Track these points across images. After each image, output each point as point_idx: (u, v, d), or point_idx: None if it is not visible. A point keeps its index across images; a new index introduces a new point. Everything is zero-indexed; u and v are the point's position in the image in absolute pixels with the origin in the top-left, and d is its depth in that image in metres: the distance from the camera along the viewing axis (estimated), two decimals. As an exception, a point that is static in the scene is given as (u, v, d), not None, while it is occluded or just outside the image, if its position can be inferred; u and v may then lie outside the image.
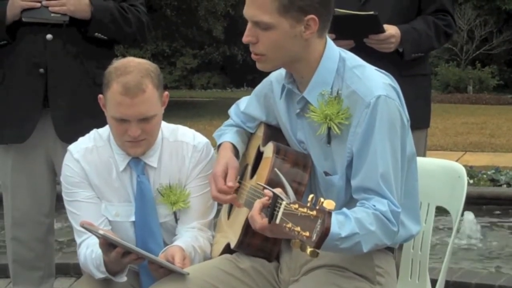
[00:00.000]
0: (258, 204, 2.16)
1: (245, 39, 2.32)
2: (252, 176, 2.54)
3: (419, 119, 3.28)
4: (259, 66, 2.39)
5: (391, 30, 3.32)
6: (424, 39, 3.43)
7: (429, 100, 3.62)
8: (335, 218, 2.11)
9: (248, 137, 2.71)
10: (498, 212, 6.86)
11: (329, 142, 2.34)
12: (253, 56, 2.36)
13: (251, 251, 2.48)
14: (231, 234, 2.52)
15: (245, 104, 2.69)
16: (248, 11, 2.29)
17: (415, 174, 2.42)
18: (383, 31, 3.30)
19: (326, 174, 2.38)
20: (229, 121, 2.73)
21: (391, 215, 2.23)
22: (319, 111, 2.31)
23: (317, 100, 2.33)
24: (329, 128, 2.31)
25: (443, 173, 2.72)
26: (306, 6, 2.25)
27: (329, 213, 1.91)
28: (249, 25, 2.31)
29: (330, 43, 2.38)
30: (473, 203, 6.53)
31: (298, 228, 1.92)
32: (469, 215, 6.04)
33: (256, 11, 2.27)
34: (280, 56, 2.32)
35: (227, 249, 2.53)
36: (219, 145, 2.64)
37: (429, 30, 3.44)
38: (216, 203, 2.74)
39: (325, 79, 2.33)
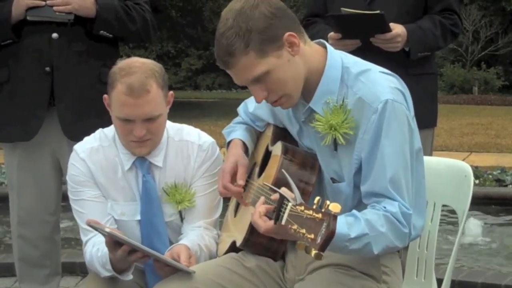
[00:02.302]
0: (259, 208, 2.16)
1: (259, 99, 2.31)
2: (259, 175, 2.54)
3: (426, 118, 3.27)
4: (286, 106, 2.37)
5: (397, 29, 3.31)
6: (430, 39, 3.42)
7: (435, 99, 3.61)
8: (345, 219, 2.11)
9: (257, 135, 2.71)
10: (503, 212, 6.86)
11: (336, 149, 2.33)
12: (274, 104, 2.35)
13: (257, 250, 2.48)
14: (237, 233, 2.52)
15: (254, 106, 2.68)
16: (240, 79, 2.29)
17: (422, 171, 2.41)
18: (389, 30, 3.29)
19: (334, 181, 2.37)
20: (238, 119, 2.74)
21: (402, 216, 2.22)
22: (324, 120, 2.30)
23: (322, 109, 2.32)
24: (334, 138, 2.30)
25: (450, 172, 2.72)
26: (274, 32, 2.24)
27: (335, 216, 1.90)
28: (251, 87, 2.30)
29: (330, 49, 2.37)
30: (479, 203, 6.53)
31: (303, 230, 1.92)
32: (475, 215, 6.04)
33: (245, 73, 2.26)
34: (294, 86, 2.30)
35: (233, 248, 2.53)
36: (229, 142, 2.64)
37: (435, 29, 3.43)
38: (221, 202, 2.75)
39: (330, 88, 2.32)
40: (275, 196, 2.11)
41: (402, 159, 2.26)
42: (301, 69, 2.29)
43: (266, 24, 2.23)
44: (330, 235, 1.89)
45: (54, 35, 3.26)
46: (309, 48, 2.33)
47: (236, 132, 2.66)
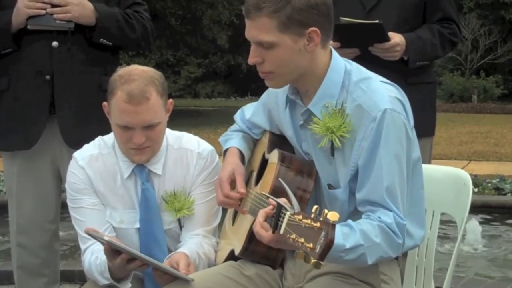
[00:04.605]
0: (261, 216, 2.16)
1: (251, 60, 2.32)
2: (257, 183, 2.54)
3: (425, 127, 3.28)
4: (268, 84, 2.38)
5: (396, 38, 3.32)
6: (429, 48, 3.43)
7: (434, 108, 3.62)
8: (340, 230, 2.11)
9: (254, 143, 2.71)
10: (503, 220, 6.86)
11: (332, 154, 2.34)
12: (261, 75, 2.35)
13: (256, 258, 2.48)
14: (236, 241, 2.52)
15: (251, 113, 2.69)
16: (250, 33, 2.30)
17: (421, 181, 2.41)
18: (388, 39, 3.30)
19: (330, 187, 2.38)
20: (234, 126, 2.74)
21: (396, 227, 2.22)
22: (321, 123, 2.31)
23: (320, 112, 2.33)
24: (331, 141, 2.31)
25: (449, 180, 2.71)
26: (306, 19, 2.24)
27: (333, 225, 1.91)
28: (252, 46, 2.31)
29: (335, 55, 2.38)
30: (478, 211, 6.54)
31: (302, 240, 1.92)
32: (474, 223, 6.03)
33: (257, 32, 2.27)
34: (287, 72, 2.31)
35: (232, 256, 2.53)
36: (226, 150, 2.65)
37: (434, 38, 3.45)
38: (220, 210, 2.75)
39: (330, 92, 2.33)
40: (273, 202, 2.11)
41: (399, 168, 2.27)
42: (304, 65, 2.30)
43: (305, 8, 2.23)
44: (329, 244, 1.89)
45: (54, 43, 3.26)
46: (323, 52, 2.33)
47: (232, 140, 2.66)
